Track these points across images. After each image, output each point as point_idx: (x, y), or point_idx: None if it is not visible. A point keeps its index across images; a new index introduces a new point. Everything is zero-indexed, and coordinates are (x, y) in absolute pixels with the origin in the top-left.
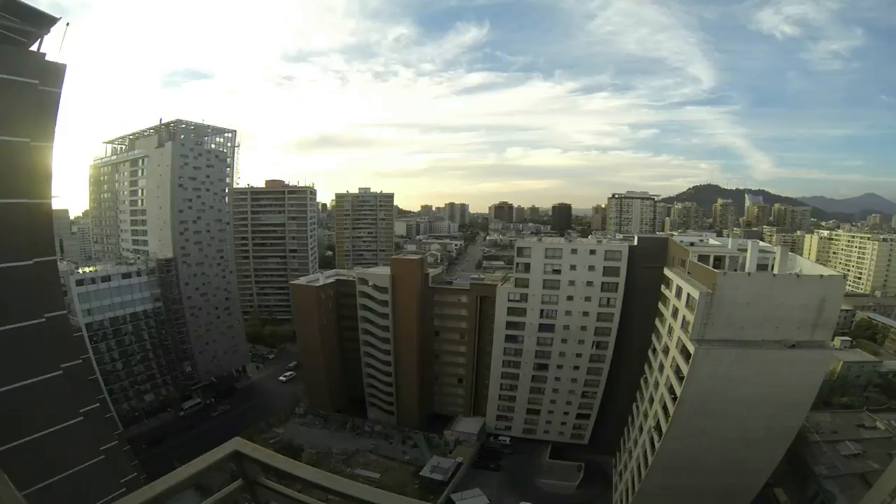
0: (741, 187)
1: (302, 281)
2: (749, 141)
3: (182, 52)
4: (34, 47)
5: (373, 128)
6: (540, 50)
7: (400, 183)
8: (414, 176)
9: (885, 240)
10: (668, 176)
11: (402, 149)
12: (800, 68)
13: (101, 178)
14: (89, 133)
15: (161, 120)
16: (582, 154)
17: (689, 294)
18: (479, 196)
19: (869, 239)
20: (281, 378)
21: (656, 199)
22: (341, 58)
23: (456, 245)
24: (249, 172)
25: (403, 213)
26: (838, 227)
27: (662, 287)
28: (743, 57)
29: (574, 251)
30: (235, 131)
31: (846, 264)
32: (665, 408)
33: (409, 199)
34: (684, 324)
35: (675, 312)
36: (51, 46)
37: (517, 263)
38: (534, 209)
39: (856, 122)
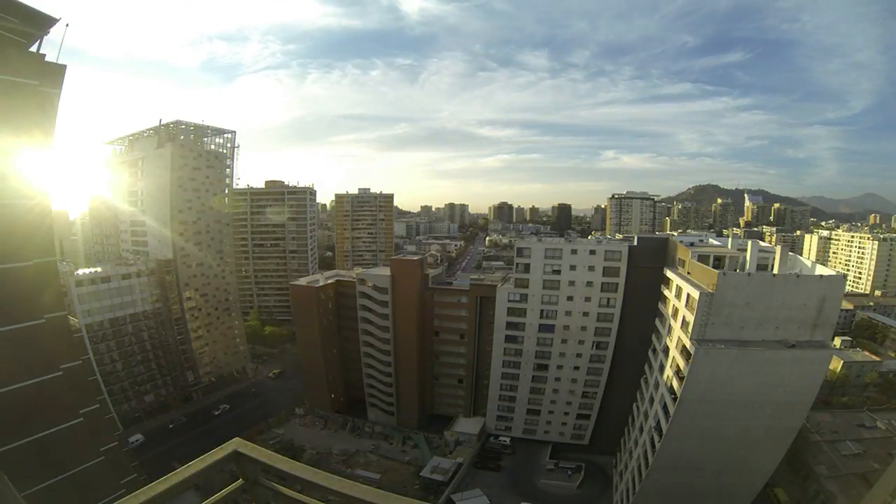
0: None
1: (302, 281)
2: (834, 153)
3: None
4: (34, 48)
5: (493, 126)
6: (771, 76)
7: (454, 183)
8: (475, 176)
9: (884, 240)
10: (732, 180)
11: (492, 149)
12: None
13: (102, 179)
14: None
15: (161, 121)
16: (668, 160)
17: (689, 294)
18: (525, 197)
19: (869, 239)
20: (269, 375)
21: (656, 199)
22: (592, 51)
23: (456, 245)
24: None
25: (403, 214)
26: (838, 227)
27: (662, 287)
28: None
29: (574, 251)
30: (235, 132)
31: (846, 264)
32: (665, 408)
33: (472, 198)
34: (684, 324)
35: (675, 312)
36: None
37: (517, 264)
38: (534, 209)
39: None
